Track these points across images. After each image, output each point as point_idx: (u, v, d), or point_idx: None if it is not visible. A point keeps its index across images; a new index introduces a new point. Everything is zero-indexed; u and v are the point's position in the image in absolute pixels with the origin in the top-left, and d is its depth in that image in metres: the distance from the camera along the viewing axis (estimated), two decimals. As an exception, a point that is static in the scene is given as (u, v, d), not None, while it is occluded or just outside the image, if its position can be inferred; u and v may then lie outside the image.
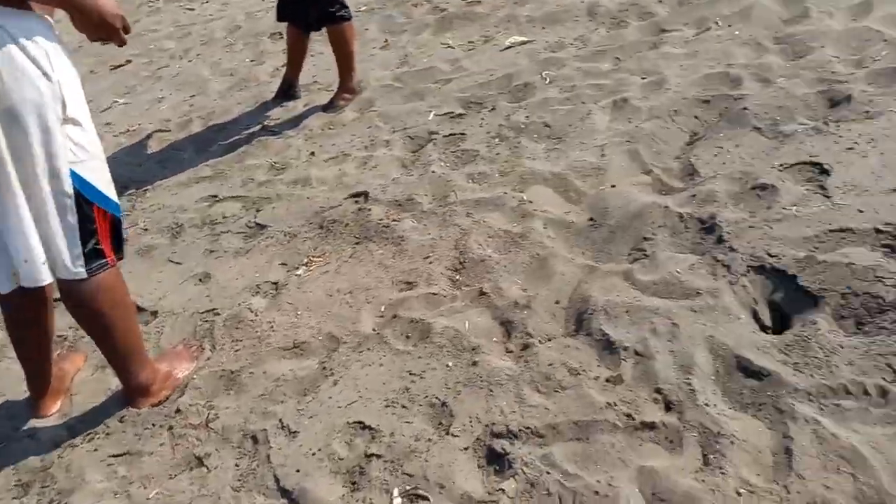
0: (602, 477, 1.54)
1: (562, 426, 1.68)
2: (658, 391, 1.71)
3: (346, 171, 3.25)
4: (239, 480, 1.81)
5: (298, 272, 2.60)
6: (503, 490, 1.58)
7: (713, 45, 3.23)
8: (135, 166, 3.84)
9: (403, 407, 1.87)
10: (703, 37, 3.34)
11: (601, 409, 1.69)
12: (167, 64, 5.40)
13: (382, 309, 2.33)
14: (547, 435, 1.68)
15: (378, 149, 3.40)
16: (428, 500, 1.61)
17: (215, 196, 3.33)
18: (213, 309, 2.51)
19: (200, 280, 2.73)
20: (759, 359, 1.69)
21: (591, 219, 2.43)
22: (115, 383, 2.19)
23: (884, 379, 1.54)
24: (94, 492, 1.88)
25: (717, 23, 3.40)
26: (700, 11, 3.59)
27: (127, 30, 1.77)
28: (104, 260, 1.87)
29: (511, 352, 2.00)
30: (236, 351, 2.28)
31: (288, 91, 4.18)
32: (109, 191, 1.88)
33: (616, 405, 1.70)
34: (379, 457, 1.75)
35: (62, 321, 2.45)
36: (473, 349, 2.01)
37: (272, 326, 2.33)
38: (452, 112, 3.51)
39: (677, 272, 2.04)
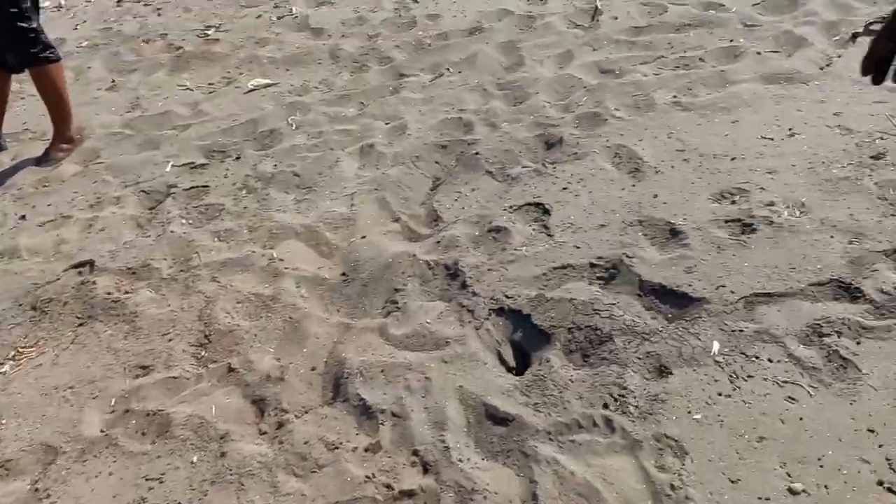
0: (364, 560, 1.48)
1: (320, 510, 1.59)
2: (415, 453, 1.70)
3: (65, 238, 2.83)
4: None
5: (3, 369, 2.18)
6: None
7: (447, 91, 3.41)
8: None
9: (141, 521, 1.64)
10: (438, 82, 3.52)
11: (360, 485, 1.63)
12: None
13: (112, 403, 2.04)
14: (305, 523, 1.58)
15: (106, 208, 3.03)
16: None
17: None
18: None
19: None
20: (505, 404, 1.76)
21: (344, 273, 2.39)
22: None
23: (608, 408, 1.69)
24: None
25: (448, 69, 3.61)
26: (433, 57, 3.78)
27: None
28: None
29: (265, 433, 1.87)
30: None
31: (-11, 143, 3.57)
32: None
33: (375, 477, 1.65)
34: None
35: None
36: (222, 437, 1.84)
37: (-32, 445, 1.92)
38: (193, 162, 3.26)
39: (427, 322, 2.08)
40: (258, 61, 4.16)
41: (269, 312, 2.25)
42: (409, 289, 2.24)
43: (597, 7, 3.93)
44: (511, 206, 2.49)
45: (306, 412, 1.91)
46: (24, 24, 3.20)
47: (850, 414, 1.57)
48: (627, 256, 2.11)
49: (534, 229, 2.36)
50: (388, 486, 1.62)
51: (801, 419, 1.57)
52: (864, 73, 1.18)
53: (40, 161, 3.45)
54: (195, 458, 1.81)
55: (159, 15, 5.29)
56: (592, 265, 2.13)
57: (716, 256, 2.06)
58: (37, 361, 2.19)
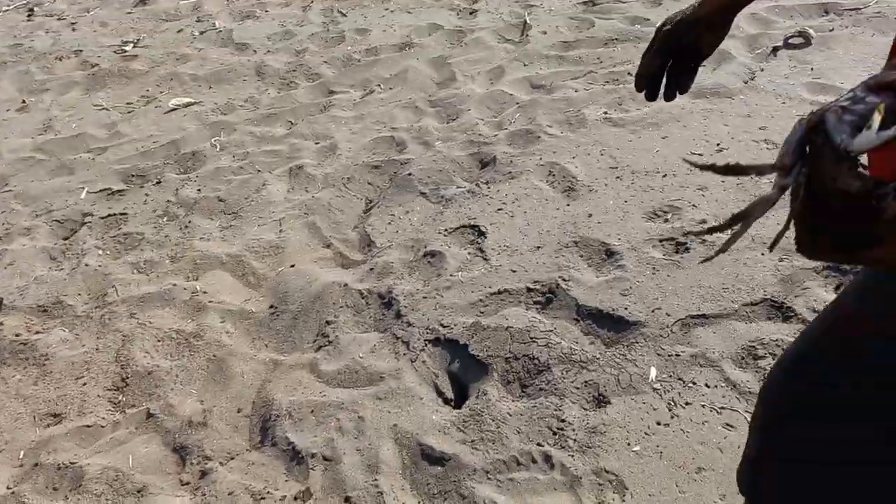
0: None
1: (247, 571, 1.49)
2: (347, 500, 1.61)
3: (-33, 275, 2.62)
4: None
5: None
6: None
7: (378, 109, 3.33)
8: None
9: None
10: (369, 99, 3.44)
11: (289, 540, 1.53)
12: None
13: (21, 456, 1.88)
14: (231, 587, 1.47)
15: (15, 239, 2.82)
16: None
17: None
18: None
19: None
20: (441, 443, 1.69)
21: (273, 305, 2.27)
22: None
23: (546, 443, 1.65)
24: None
25: (379, 86, 3.53)
26: (363, 73, 3.70)
27: None
28: None
29: (187, 483, 1.74)
30: None
31: None
32: None
33: (306, 528, 1.56)
34: None
35: None
36: (139, 491, 1.71)
37: None
38: (110, 188, 3.07)
39: (360, 357, 1.99)
40: (179, 79, 3.98)
41: (191, 351, 2.12)
42: (340, 320, 2.15)
43: (525, 22, 3.93)
44: (446, 229, 2.43)
45: (231, 458, 1.79)
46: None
47: (785, 436, 1.57)
48: (564, 280, 2.08)
49: (469, 253, 2.31)
50: (320, 540, 1.53)
51: (738, 447, 1.56)
52: (637, 89, 1.11)
53: (-61, 190, 3.19)
54: (110, 517, 1.68)
55: (74, 30, 5.02)
56: (529, 289, 2.09)
57: (651, 277, 2.05)
58: (-70, 417, 2.00)
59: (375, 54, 3.91)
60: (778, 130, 2.69)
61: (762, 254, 2.08)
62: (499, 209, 2.47)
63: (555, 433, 1.66)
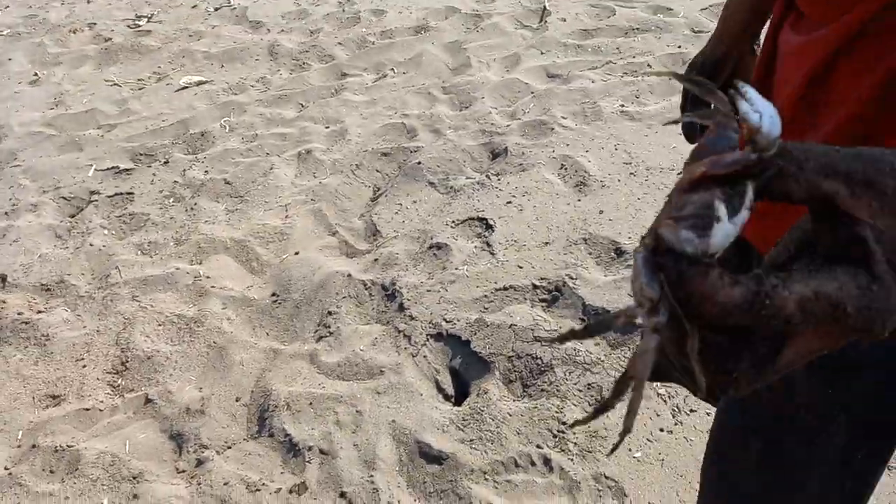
0: None
1: (238, 564, 1.47)
2: (343, 495, 1.59)
3: (-27, 251, 2.61)
4: None
5: None
6: None
7: (390, 93, 3.28)
8: None
9: (38, 581, 1.49)
10: (381, 84, 3.38)
11: (281, 534, 1.52)
12: None
13: (19, 437, 1.88)
14: (221, 579, 1.46)
15: (22, 216, 2.81)
16: None
17: None
18: None
19: None
20: (439, 441, 1.67)
21: (275, 293, 2.25)
22: None
23: (546, 445, 1.62)
24: None
25: (392, 70, 3.48)
26: (377, 56, 3.64)
27: None
28: None
29: (183, 471, 1.73)
30: None
31: None
32: None
33: (299, 523, 1.54)
34: None
35: None
36: (135, 477, 1.70)
37: None
38: (118, 166, 3.05)
39: (361, 349, 1.96)
40: (192, 56, 3.94)
41: (191, 336, 2.11)
42: (342, 311, 2.12)
43: (545, 7, 3.85)
44: (453, 221, 2.39)
45: (228, 448, 1.78)
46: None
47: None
48: (571, 278, 2.04)
49: (476, 246, 2.27)
50: (313, 536, 1.51)
51: (742, 458, 1.52)
52: (690, 141, 1.05)
53: (-51, 162, 3.18)
54: (106, 501, 1.68)
55: (89, 2, 4.98)
56: (535, 286, 2.05)
57: (659, 278, 2.00)
58: (-69, 393, 2.00)
59: (390, 37, 3.85)
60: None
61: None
62: (508, 202, 2.43)
63: (555, 436, 1.63)
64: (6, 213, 2.85)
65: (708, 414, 1.62)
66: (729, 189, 0.36)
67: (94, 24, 4.57)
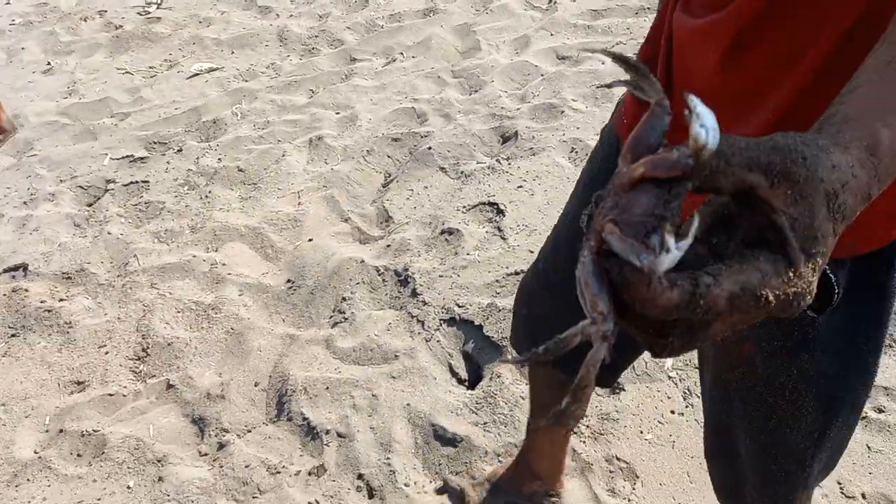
0: None
1: (261, 544, 1.53)
2: (360, 476, 1.64)
3: (-5, 240, 2.67)
4: None
5: (-76, 391, 2.05)
6: None
7: (400, 78, 3.28)
8: None
9: (70, 560, 1.56)
10: (391, 68, 3.39)
11: (302, 514, 1.57)
12: None
13: (47, 422, 1.94)
14: (245, 558, 1.51)
15: (40, 205, 2.86)
16: None
17: None
18: None
19: None
20: (454, 424, 1.71)
21: (290, 280, 2.29)
22: None
23: (557, 427, 1.65)
24: None
25: (402, 54, 3.47)
26: (386, 40, 3.64)
27: None
28: None
29: (205, 455, 1.79)
30: None
31: None
32: None
33: (318, 503, 1.59)
34: None
35: None
36: (160, 460, 1.76)
37: None
38: (132, 155, 3.09)
39: (375, 335, 2.00)
40: (202, 43, 3.95)
41: (210, 323, 2.15)
42: (356, 297, 2.16)
43: (555, -12, 3.81)
44: (464, 206, 2.41)
45: (248, 431, 1.83)
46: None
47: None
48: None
49: (487, 231, 2.29)
50: (332, 516, 1.56)
51: (751, 439, 1.55)
52: None
53: (-32, 153, 3.23)
54: (132, 483, 1.73)
55: (98, -11, 4.99)
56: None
57: (670, 261, 2.02)
58: (-40, 381, 2.06)
59: (399, 20, 3.84)
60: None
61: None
62: (519, 186, 2.44)
63: (567, 419, 1.66)
64: (25, 202, 2.91)
65: (718, 396, 1.65)
66: (667, 193, 0.40)
67: (105, 11, 4.58)
